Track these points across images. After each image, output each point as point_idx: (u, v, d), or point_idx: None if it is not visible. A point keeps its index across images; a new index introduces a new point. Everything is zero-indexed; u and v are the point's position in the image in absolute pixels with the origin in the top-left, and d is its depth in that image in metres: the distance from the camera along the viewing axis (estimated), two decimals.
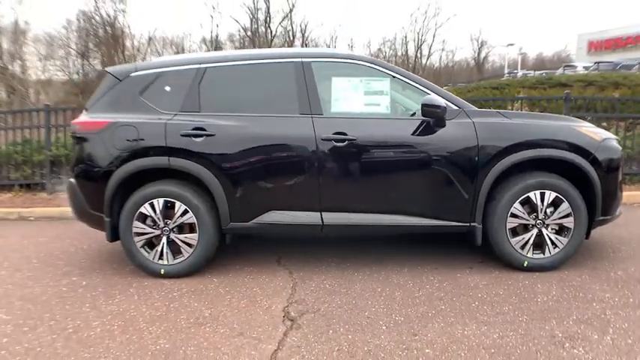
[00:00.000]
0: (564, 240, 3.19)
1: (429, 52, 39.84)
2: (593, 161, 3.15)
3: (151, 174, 3.31)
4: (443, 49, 50.68)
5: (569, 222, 3.17)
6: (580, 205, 3.15)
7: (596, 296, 2.81)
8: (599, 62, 24.90)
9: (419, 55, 39.43)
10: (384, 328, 2.52)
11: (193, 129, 3.25)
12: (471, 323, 2.53)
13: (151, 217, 3.28)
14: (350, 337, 2.43)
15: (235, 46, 32.68)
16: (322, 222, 3.25)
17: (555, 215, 3.17)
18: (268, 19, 31.73)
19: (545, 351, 2.24)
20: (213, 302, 2.91)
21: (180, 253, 3.32)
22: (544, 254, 3.21)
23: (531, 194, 3.14)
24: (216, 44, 30.74)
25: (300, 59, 3.35)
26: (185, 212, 3.26)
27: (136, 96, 3.40)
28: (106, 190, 3.29)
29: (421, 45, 39.02)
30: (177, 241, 3.30)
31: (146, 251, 3.33)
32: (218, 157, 3.23)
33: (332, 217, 3.25)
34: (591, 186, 3.16)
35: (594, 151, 3.16)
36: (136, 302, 2.93)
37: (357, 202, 3.26)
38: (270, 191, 3.25)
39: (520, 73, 31.37)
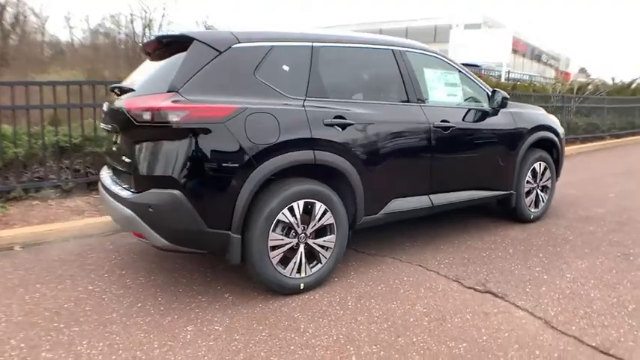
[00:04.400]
0: (545, 197, 4.48)
1: (160, 31, 38.02)
2: (558, 137, 4.53)
3: (281, 173, 2.70)
4: (172, 31, 49.12)
5: (549, 182, 4.48)
6: (553, 167, 4.50)
7: None
8: None
9: (147, 34, 37.10)
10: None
11: (335, 117, 2.84)
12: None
13: (289, 224, 2.71)
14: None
15: None
16: (432, 204, 3.46)
17: (544, 179, 4.42)
18: None
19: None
20: (412, 299, 2.77)
21: (315, 260, 2.88)
22: (538, 207, 4.43)
23: (536, 165, 4.28)
24: None
25: (397, 47, 3.37)
26: (324, 213, 2.84)
27: (250, 74, 2.66)
28: (238, 198, 2.51)
29: (149, 24, 36.79)
30: (315, 247, 2.84)
31: (282, 267, 2.73)
32: (358, 147, 2.95)
33: (437, 199, 3.50)
34: (558, 154, 4.55)
35: (559, 130, 4.55)
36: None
37: (452, 183, 3.62)
38: (394, 180, 3.21)
39: None
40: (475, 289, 2.94)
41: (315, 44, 2.94)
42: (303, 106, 2.76)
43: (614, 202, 5.21)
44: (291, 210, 2.70)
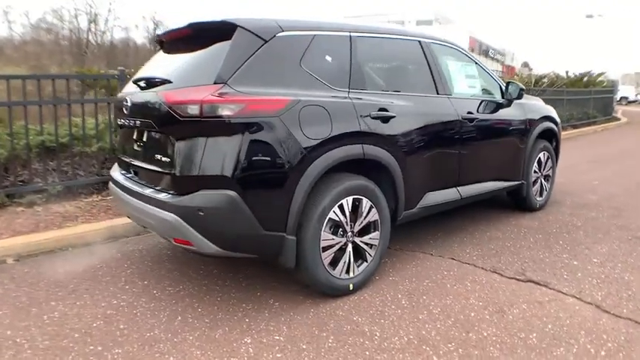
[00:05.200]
0: (547, 185, 4.61)
1: (106, 27, 35.93)
2: (557, 127, 4.67)
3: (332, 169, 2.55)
4: (119, 26, 46.93)
5: (550, 171, 4.60)
6: (554, 156, 4.64)
7: None
8: None
9: (93, 29, 35.00)
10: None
11: (379, 109, 2.73)
12: None
13: (338, 222, 2.58)
14: None
15: None
16: (460, 196, 3.45)
17: (546, 168, 4.52)
18: None
19: None
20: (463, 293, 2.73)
21: (361, 259, 2.76)
22: (542, 196, 4.55)
23: (541, 154, 4.39)
24: None
25: (423, 39, 3.30)
26: (370, 209, 2.73)
27: (296, 64, 2.49)
28: (293, 197, 2.34)
29: (95, 19, 34.75)
30: (361, 245, 2.73)
31: (332, 268, 2.59)
32: (400, 140, 2.86)
33: (464, 191, 3.49)
34: (557, 143, 4.69)
35: (557, 120, 4.68)
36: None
37: (476, 174, 3.62)
38: (428, 172, 3.16)
39: None
40: (517, 279, 2.96)
41: (352, 34, 2.81)
42: (350, 97, 2.63)
43: (601, 189, 5.48)
44: (341, 208, 2.57)
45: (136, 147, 2.73)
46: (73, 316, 2.49)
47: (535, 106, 4.33)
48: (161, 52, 3.08)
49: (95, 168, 4.49)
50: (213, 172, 2.20)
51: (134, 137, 2.74)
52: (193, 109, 2.19)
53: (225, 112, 2.18)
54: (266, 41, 2.39)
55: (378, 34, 3.01)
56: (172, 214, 2.25)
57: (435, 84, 3.27)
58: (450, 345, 2.22)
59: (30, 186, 4.07)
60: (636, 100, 37.95)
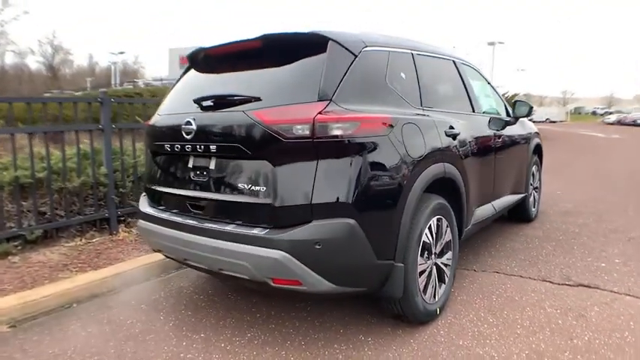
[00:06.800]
0: (537, 197, 4.93)
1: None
2: (538, 137, 5.02)
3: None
4: (13, 51, 42.31)
5: (539, 183, 4.95)
6: (541, 169, 5.01)
7: None
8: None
9: None
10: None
11: (449, 127, 2.70)
12: None
13: (428, 244, 2.47)
14: None
15: None
16: (495, 210, 3.52)
17: (537, 180, 4.85)
18: None
19: None
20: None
21: (441, 281, 2.66)
22: (535, 207, 4.85)
23: (534, 167, 4.69)
24: None
25: (455, 59, 3.38)
26: (447, 228, 2.67)
27: (382, 81, 2.38)
28: (402, 221, 2.18)
29: None
30: (441, 266, 2.64)
31: (424, 293, 2.46)
32: (463, 158, 2.85)
33: (496, 205, 3.58)
34: (541, 157, 5.04)
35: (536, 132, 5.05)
36: None
37: (503, 189, 3.74)
38: (477, 189, 3.18)
39: (141, 82, 31.48)
40: (568, 285, 3.07)
41: (413, 52, 2.77)
42: (427, 115, 2.57)
43: (568, 197, 6.01)
44: (430, 229, 2.47)
45: (193, 176, 2.37)
46: None
47: (529, 124, 4.65)
48: (194, 71, 2.76)
49: (77, 206, 3.84)
50: (328, 199, 1.97)
51: (190, 165, 2.38)
52: (302, 130, 1.95)
53: (340, 131, 1.98)
54: (356, 56, 2.25)
55: (428, 53, 3.00)
56: (277, 251, 1.96)
57: (471, 103, 3.35)
58: (566, 353, 2.21)
59: (2, 232, 3.34)
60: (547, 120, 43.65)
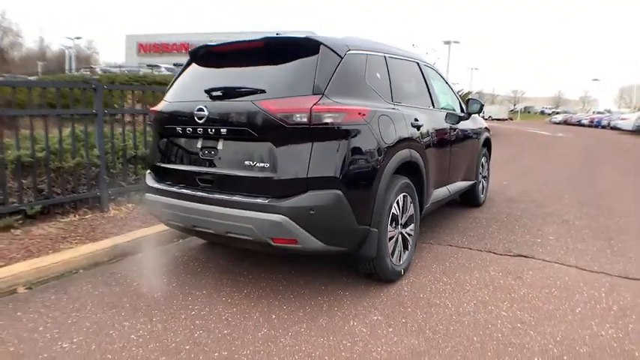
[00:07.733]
0: (485, 184, 5.61)
1: None
2: (487, 132, 5.69)
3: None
4: None
5: (487, 172, 5.63)
6: (489, 160, 5.69)
7: None
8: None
9: None
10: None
11: (414, 119, 3.22)
12: None
13: (396, 216, 2.99)
14: None
15: None
16: (449, 192, 4.11)
17: (485, 170, 5.53)
18: None
19: None
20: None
21: (405, 248, 3.20)
22: (483, 194, 5.53)
23: (483, 158, 5.35)
24: None
25: (419, 60, 3.92)
26: (410, 204, 3.20)
27: (362, 79, 2.87)
28: (377, 194, 2.69)
29: None
30: (405, 235, 3.17)
31: (392, 256, 2.98)
32: (425, 145, 3.38)
33: (451, 188, 4.17)
34: (490, 149, 5.72)
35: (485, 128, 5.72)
36: None
37: (456, 175, 4.33)
38: (435, 173, 3.73)
39: (99, 69, 30.46)
40: (509, 255, 3.70)
41: (386, 55, 3.27)
42: (397, 109, 3.08)
43: (514, 187, 6.78)
44: (397, 203, 2.99)
45: (202, 155, 2.76)
46: (153, 340, 2.42)
47: (480, 120, 5.30)
48: (196, 65, 3.12)
49: (71, 185, 4.10)
50: (321, 174, 2.44)
51: (199, 146, 2.77)
52: (301, 117, 2.40)
53: (330, 119, 2.45)
54: (342, 58, 2.72)
55: (394, 55, 3.51)
56: (279, 215, 2.41)
57: (431, 99, 3.90)
58: (505, 302, 2.80)
59: (5, 207, 3.58)
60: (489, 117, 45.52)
